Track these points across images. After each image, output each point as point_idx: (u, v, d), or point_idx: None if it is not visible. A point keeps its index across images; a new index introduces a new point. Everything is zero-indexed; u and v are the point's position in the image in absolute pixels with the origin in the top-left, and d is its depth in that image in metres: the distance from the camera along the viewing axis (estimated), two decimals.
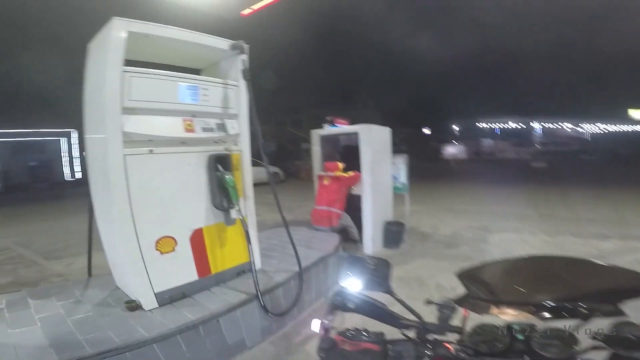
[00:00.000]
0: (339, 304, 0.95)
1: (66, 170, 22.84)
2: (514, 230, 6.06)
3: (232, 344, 2.47)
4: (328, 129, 5.25)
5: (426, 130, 41.78)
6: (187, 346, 2.20)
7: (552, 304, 0.87)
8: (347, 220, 4.88)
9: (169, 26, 2.44)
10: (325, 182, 4.88)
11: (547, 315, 0.91)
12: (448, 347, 0.87)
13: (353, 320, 0.99)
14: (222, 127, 2.76)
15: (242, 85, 2.82)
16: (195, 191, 2.67)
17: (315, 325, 0.92)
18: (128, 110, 2.28)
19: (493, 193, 11.21)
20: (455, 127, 48.48)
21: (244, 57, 2.75)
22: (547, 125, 48.52)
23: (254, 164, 3.22)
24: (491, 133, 45.99)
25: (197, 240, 2.66)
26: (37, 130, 21.96)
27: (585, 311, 0.85)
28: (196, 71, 3.11)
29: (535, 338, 0.85)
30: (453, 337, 0.92)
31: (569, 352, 0.82)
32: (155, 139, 2.42)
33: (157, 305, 2.42)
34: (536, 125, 48.17)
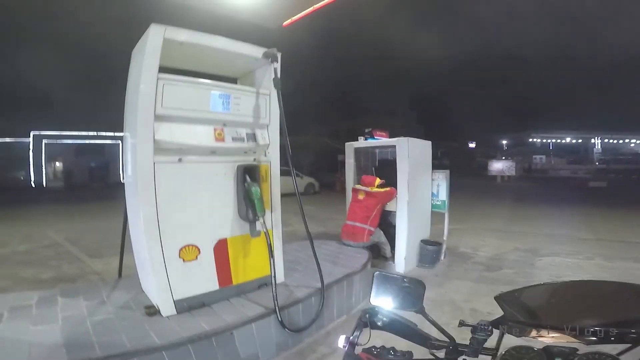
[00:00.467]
0: (367, 321, 0.94)
1: (121, 173, 24.87)
2: (566, 254, 5.45)
3: (245, 357, 2.41)
4: (363, 141, 5.11)
5: (471, 145, 39.98)
6: (197, 356, 2.16)
7: (598, 329, 0.78)
8: (380, 237, 4.67)
9: (205, 34, 2.46)
10: (360, 196, 4.69)
11: (591, 338, 0.81)
12: None
13: (382, 339, 0.96)
14: (252, 137, 2.74)
15: (274, 94, 2.78)
16: (222, 201, 2.66)
17: (341, 341, 0.91)
18: (160, 118, 2.31)
19: (544, 214, 10.28)
20: (504, 142, 45.85)
21: (276, 65, 2.71)
22: (607, 140, 44.33)
23: (287, 173, 3.17)
24: (544, 148, 42.86)
25: (221, 250, 2.65)
26: (97, 133, 24.24)
27: (634, 336, 0.78)
28: (232, 80, 3.12)
29: None
30: (486, 359, 0.89)
31: None
32: (185, 147, 2.44)
33: (175, 313, 2.42)
34: (595, 141, 44.19)
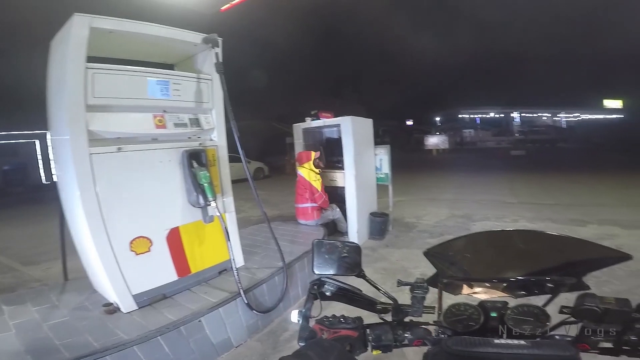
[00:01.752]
0: (317, 293, 0.94)
1: (42, 174, 22.03)
2: (495, 218, 6.18)
3: (217, 343, 2.44)
4: (309, 122, 5.19)
5: (409, 122, 42.22)
6: (169, 347, 2.15)
7: (521, 280, 0.88)
8: (335, 213, 4.86)
9: (134, 21, 2.33)
10: (300, 173, 4.85)
11: (518, 292, 0.94)
12: (426, 329, 0.88)
13: (334, 309, 0.97)
14: (195, 122, 2.69)
15: (216, 78, 2.74)
16: (170, 189, 2.59)
17: (294, 316, 0.90)
18: (92, 108, 2.19)
19: (475, 182, 11.41)
20: (437, 119, 49.17)
21: (218, 50, 2.68)
22: (525, 114, 49.81)
23: (234, 159, 3.13)
24: (472, 123, 46.83)
25: (174, 239, 2.59)
26: (9, 132, 20.99)
27: (552, 286, 0.87)
28: (170, 67, 3.02)
29: (509, 315, 0.86)
30: (430, 318, 0.92)
31: (542, 328, 0.82)
32: (123, 136, 2.34)
33: (137, 308, 2.37)
34: (515, 115, 49.39)
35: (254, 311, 2.60)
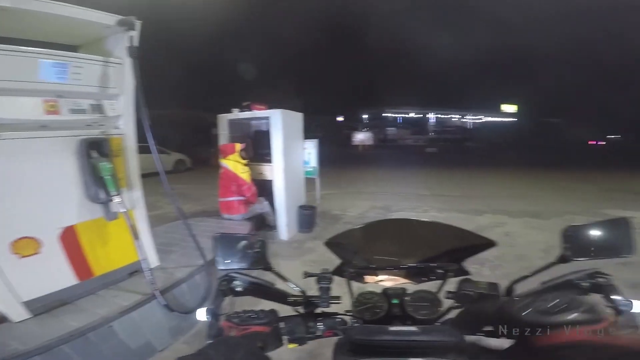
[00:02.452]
0: (227, 289, 0.90)
1: None
2: (410, 209, 6.79)
3: (137, 348, 2.25)
4: (237, 114, 4.99)
5: (340, 118, 43.71)
6: (79, 355, 1.94)
7: (411, 266, 0.96)
8: (264, 207, 4.77)
9: None
10: (221, 170, 4.63)
11: (417, 278, 1.02)
12: (339, 319, 0.90)
13: (247, 304, 0.94)
14: (97, 109, 2.38)
15: (128, 63, 2.47)
16: (63, 182, 2.25)
17: (201, 314, 0.85)
18: None
19: (395, 176, 12.37)
20: (365, 116, 51.84)
21: (133, 33, 2.42)
22: (439, 115, 55.37)
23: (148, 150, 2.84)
24: (395, 122, 50.43)
25: (70, 239, 2.28)
26: None
27: (440, 271, 0.95)
28: (74, 48, 2.62)
29: (408, 301, 0.92)
30: (342, 308, 0.94)
31: (436, 313, 0.89)
32: (3, 122, 1.96)
33: (30, 316, 2.08)
34: (431, 116, 54.59)
35: (175, 312, 2.43)
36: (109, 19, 2.38)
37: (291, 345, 0.86)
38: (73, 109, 2.25)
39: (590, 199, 7.68)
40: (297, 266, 3.81)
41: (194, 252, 2.81)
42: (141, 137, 2.69)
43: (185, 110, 22.62)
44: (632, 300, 0.71)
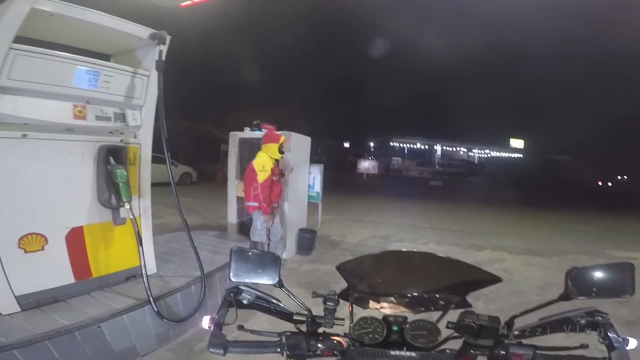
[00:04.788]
0: (232, 301, 0.93)
1: None
2: (410, 240, 6.79)
3: (120, 351, 2.26)
4: (248, 132, 5.13)
5: (346, 144, 44.20)
6: (60, 353, 1.94)
7: (415, 296, 0.99)
8: (278, 234, 4.53)
9: (78, 6, 2.19)
10: (256, 157, 4.29)
11: (417, 307, 1.05)
12: (338, 341, 0.91)
13: (252, 318, 0.98)
14: (121, 117, 2.51)
15: (154, 76, 2.63)
16: (78, 185, 2.37)
17: (205, 322, 0.88)
18: (3, 90, 1.97)
19: (396, 206, 12.37)
20: (371, 144, 52.29)
21: (163, 48, 2.58)
22: (446, 147, 55.66)
23: (157, 160, 2.96)
24: (401, 152, 50.76)
25: (75, 239, 2.36)
26: None
27: (443, 303, 0.99)
28: (107, 57, 2.82)
29: (407, 329, 0.95)
30: (342, 330, 0.97)
31: (434, 342, 0.92)
32: (31, 122, 2.11)
33: (19, 310, 2.11)
34: (437, 147, 54.90)
35: (165, 320, 2.45)
36: (143, 31, 2.54)
37: None
38: (98, 116, 2.38)
39: (592, 239, 7.72)
40: (294, 286, 3.83)
41: (192, 263, 2.87)
42: (153, 147, 2.83)
43: (194, 124, 23.05)
44: (629, 338, 0.76)
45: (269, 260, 0.96)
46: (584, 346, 0.81)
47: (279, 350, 0.86)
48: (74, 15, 2.17)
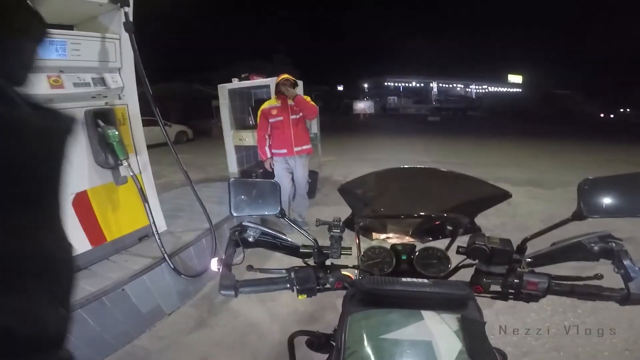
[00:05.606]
0: (238, 240, 0.89)
1: None
2: None
3: (147, 312, 2.36)
4: (237, 83, 4.93)
5: (339, 88, 42.81)
6: (94, 319, 2.03)
7: (421, 215, 0.93)
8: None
9: None
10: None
11: (424, 236, 1.02)
12: (346, 273, 0.90)
13: (258, 256, 0.96)
14: (100, 81, 2.45)
15: (125, 38, 2.51)
16: (73, 151, 2.30)
17: (214, 264, 0.86)
18: None
19: (396, 143, 12.33)
20: (365, 85, 50.72)
21: (128, 9, 2.46)
22: (442, 84, 54.12)
23: (151, 123, 2.89)
24: (396, 91, 49.40)
25: (82, 204, 2.35)
26: None
27: (451, 229, 0.95)
28: (69, 27, 2.65)
29: (417, 258, 0.94)
30: (350, 262, 0.96)
31: (445, 270, 0.91)
32: None
33: None
34: (434, 85, 53.37)
35: (183, 276, 2.54)
36: None
37: (301, 296, 0.86)
38: (76, 83, 2.30)
39: (595, 169, 7.68)
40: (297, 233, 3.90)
41: (200, 217, 2.89)
42: (144, 112, 2.76)
43: (184, 83, 22.26)
44: None
45: (269, 189, 0.92)
46: (598, 276, 0.75)
47: (288, 286, 0.85)
48: None
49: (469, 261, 0.88)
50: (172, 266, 2.47)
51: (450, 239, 0.97)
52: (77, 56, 2.31)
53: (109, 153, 2.37)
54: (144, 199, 2.50)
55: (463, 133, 16.58)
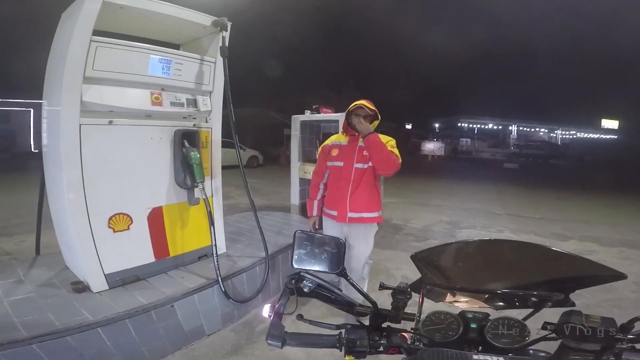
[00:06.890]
0: (294, 288, 0.88)
1: (32, 142, 21.57)
2: (481, 227, 6.23)
3: (189, 330, 2.39)
4: (308, 115, 5.14)
5: (408, 126, 42.40)
6: (137, 331, 2.09)
7: (505, 292, 0.86)
8: None
9: None
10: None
11: (500, 304, 0.91)
12: (403, 336, 0.84)
13: (310, 306, 0.94)
14: (192, 103, 2.66)
15: (219, 62, 2.72)
16: (158, 167, 2.54)
17: (266, 310, 0.85)
18: (89, 80, 2.15)
19: (466, 190, 11.49)
20: (436, 125, 49.47)
21: (225, 34, 2.66)
22: (523, 128, 50.34)
23: (228, 145, 3.08)
24: (470, 132, 47.21)
25: (156, 219, 2.54)
26: (4, 100, 20.48)
27: (536, 300, 0.84)
28: (176, 46, 3.00)
29: (488, 327, 0.83)
30: (408, 325, 0.88)
31: (520, 343, 0.79)
32: (116, 110, 2.29)
33: (107, 288, 2.30)
34: (512, 128, 49.91)
35: (231, 300, 2.56)
36: (205, 19, 2.63)
37: (348, 357, 0.81)
38: (173, 102, 2.53)
39: None
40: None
41: (258, 244, 2.95)
42: (222, 133, 2.95)
43: (261, 109, 24.05)
44: None
45: (333, 246, 0.91)
46: None
47: (337, 345, 0.80)
48: (141, 6, 2.29)
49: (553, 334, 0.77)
50: (223, 289, 2.50)
51: (533, 309, 0.86)
52: (178, 76, 2.54)
53: (188, 174, 2.55)
54: (211, 222, 2.62)
55: (544, 183, 14.88)
